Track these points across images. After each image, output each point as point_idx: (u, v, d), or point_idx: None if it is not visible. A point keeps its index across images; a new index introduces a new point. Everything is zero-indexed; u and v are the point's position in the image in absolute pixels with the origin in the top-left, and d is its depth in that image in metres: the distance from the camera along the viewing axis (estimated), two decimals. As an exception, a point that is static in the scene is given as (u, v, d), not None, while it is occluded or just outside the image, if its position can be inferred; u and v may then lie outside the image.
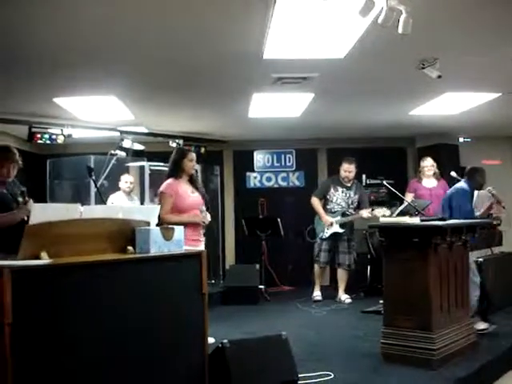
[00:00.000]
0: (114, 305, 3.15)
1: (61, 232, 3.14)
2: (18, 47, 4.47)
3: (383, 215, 7.47)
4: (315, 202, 7.96)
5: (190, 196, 5.26)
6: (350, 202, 7.91)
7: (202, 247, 5.13)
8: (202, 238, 5.30)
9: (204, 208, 5.32)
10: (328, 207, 7.94)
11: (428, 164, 7.42)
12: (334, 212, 7.88)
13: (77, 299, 2.99)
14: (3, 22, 3.92)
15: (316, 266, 8.05)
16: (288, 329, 4.12)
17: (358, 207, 7.94)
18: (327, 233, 7.84)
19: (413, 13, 3.42)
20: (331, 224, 7.80)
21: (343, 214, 7.85)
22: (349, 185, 7.92)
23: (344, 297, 7.87)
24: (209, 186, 9.55)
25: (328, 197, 7.94)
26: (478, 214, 6.58)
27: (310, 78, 5.57)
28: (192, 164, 5.32)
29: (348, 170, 7.88)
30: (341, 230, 7.81)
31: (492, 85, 6.11)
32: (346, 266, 7.87)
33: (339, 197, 7.91)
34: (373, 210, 7.66)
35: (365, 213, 7.70)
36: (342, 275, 7.99)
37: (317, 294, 8.03)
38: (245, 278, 8.15)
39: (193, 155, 5.37)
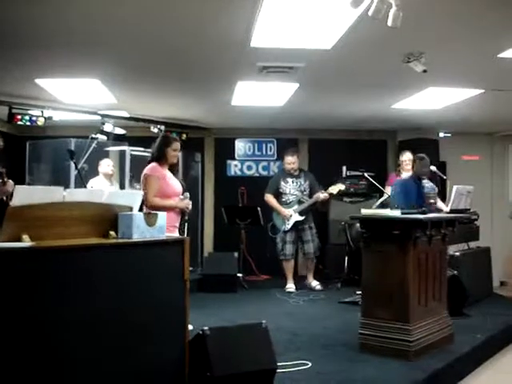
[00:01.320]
0: (95, 289, 3.14)
1: (43, 215, 3.11)
2: None
3: (339, 190, 7.68)
4: (269, 198, 8.18)
5: (174, 183, 5.23)
6: (302, 189, 8.16)
7: (176, 234, 5.10)
8: (178, 225, 5.27)
9: (187, 194, 5.29)
10: (283, 200, 8.15)
11: (406, 158, 7.45)
12: (290, 203, 8.11)
13: (58, 283, 2.97)
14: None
15: (283, 261, 8.14)
16: (266, 318, 4.13)
17: (312, 193, 8.12)
18: (289, 224, 7.99)
19: (402, 6, 3.42)
20: (291, 215, 7.95)
21: (299, 202, 8.09)
22: (296, 173, 8.17)
23: (314, 283, 8.04)
24: (189, 173, 9.51)
25: (281, 190, 8.15)
26: (448, 208, 6.68)
27: (295, 68, 5.55)
28: (175, 153, 5.26)
29: (291, 162, 8.15)
30: (301, 218, 8.02)
31: (475, 81, 6.15)
32: (312, 254, 8.12)
33: (291, 187, 8.14)
34: (326, 190, 7.84)
35: (321, 195, 7.97)
36: (309, 264, 8.25)
37: (290, 286, 8.10)
38: (223, 266, 8.17)
39: (177, 145, 5.29)
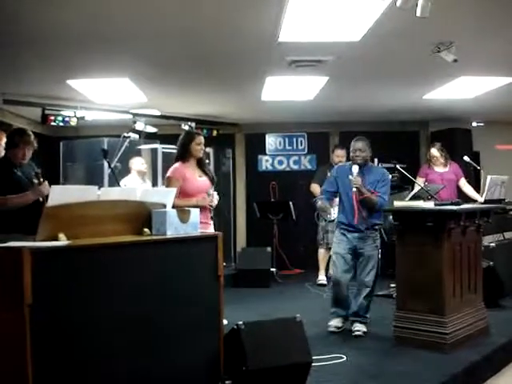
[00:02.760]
0: (131, 286, 3.18)
1: (79, 214, 3.16)
2: (31, 29, 4.48)
3: None
4: (315, 188, 8.03)
5: (198, 180, 5.22)
6: None
7: (211, 230, 5.13)
8: (211, 221, 5.29)
9: (212, 191, 5.27)
10: None
11: (435, 154, 7.35)
12: None
13: (94, 280, 3.02)
14: (17, 4, 3.92)
15: (321, 250, 8.07)
16: (300, 312, 4.13)
17: None
18: (334, 214, 7.89)
19: (431, -4, 3.40)
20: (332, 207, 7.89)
21: None
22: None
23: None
24: (221, 169, 9.57)
25: None
26: (482, 199, 6.57)
27: (324, 61, 5.54)
28: (200, 147, 5.25)
29: (340, 155, 8.01)
30: None
31: (507, 69, 6.05)
32: None
33: None
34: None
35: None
36: None
37: (321, 278, 8.05)
38: (256, 261, 8.20)
39: (201, 139, 5.29)
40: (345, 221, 5.29)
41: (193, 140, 5.24)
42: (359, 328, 5.17)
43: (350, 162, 5.39)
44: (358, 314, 5.25)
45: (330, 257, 8.12)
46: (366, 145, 5.36)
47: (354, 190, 5.09)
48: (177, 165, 5.22)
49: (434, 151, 7.34)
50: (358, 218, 5.14)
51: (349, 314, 5.33)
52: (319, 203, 5.59)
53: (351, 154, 5.37)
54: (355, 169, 5.16)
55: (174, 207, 4.70)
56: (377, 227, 5.36)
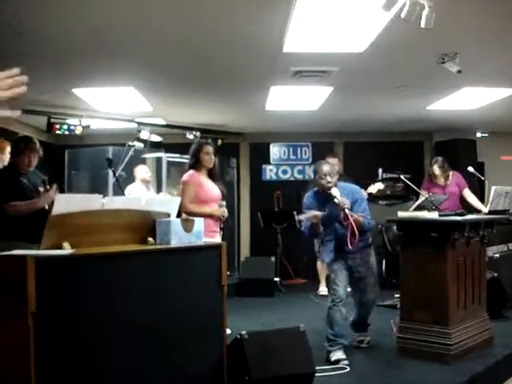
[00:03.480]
0: (135, 295, 3.18)
1: (83, 222, 3.16)
2: (37, 37, 4.51)
3: (378, 189, 7.42)
4: None
5: (211, 189, 5.27)
6: None
7: (218, 239, 5.15)
8: (220, 231, 5.33)
9: (224, 203, 5.33)
10: None
11: (436, 174, 7.29)
12: None
13: (98, 289, 3.02)
14: (24, 14, 3.95)
15: (319, 262, 8.02)
16: (303, 321, 4.13)
17: None
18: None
19: (434, 7, 3.41)
20: None
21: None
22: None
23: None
24: (225, 179, 9.56)
25: None
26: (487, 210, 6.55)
27: (329, 72, 5.57)
28: (208, 157, 5.28)
29: (333, 163, 7.73)
30: None
31: (511, 80, 6.07)
32: None
33: None
34: (365, 189, 7.70)
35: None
36: None
37: (322, 289, 8.01)
38: (260, 271, 8.19)
39: (209, 148, 5.30)
40: (337, 250, 4.82)
41: (201, 150, 5.27)
42: (364, 338, 5.13)
43: (316, 189, 4.90)
44: (361, 326, 5.20)
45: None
46: (336, 163, 4.91)
47: (347, 211, 4.51)
48: (191, 171, 5.25)
49: (436, 169, 7.28)
50: (354, 242, 4.53)
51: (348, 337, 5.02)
52: (302, 217, 4.88)
53: (321, 181, 4.74)
54: (335, 191, 4.62)
55: (189, 213, 4.75)
56: (370, 243, 5.08)
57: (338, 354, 4.67)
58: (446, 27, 4.10)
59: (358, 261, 4.90)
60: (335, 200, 4.60)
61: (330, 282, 5.05)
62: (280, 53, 4.86)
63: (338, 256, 4.85)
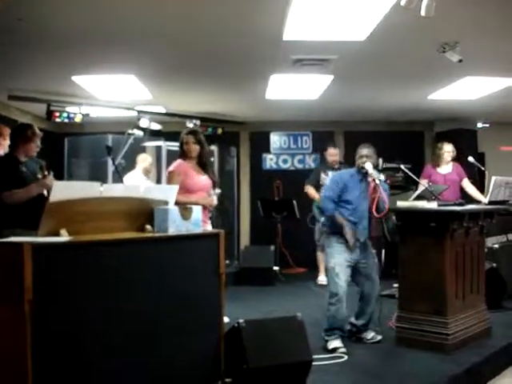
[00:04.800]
0: (132, 282, 3.18)
1: (81, 210, 3.16)
2: (37, 24, 4.48)
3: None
4: (309, 189, 7.98)
5: (198, 178, 5.23)
6: None
7: (208, 229, 5.11)
8: (209, 221, 5.29)
9: (212, 192, 5.27)
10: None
11: (450, 149, 7.28)
12: None
13: (95, 277, 3.02)
14: (23, 1, 3.93)
15: (319, 251, 8.03)
16: (302, 310, 4.14)
17: None
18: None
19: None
20: None
21: None
22: (337, 166, 7.95)
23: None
24: (225, 167, 9.56)
25: (321, 182, 7.97)
26: (486, 200, 6.54)
27: (329, 60, 5.54)
28: (188, 147, 5.20)
29: (334, 154, 7.99)
30: None
31: (513, 70, 6.05)
32: None
33: None
34: None
35: None
36: None
37: (321, 278, 8.00)
38: (259, 259, 8.20)
39: (189, 138, 5.21)
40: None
41: (183, 139, 5.26)
42: (375, 335, 5.05)
43: (354, 168, 5.08)
44: (368, 324, 5.16)
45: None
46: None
47: (378, 182, 4.79)
48: (179, 160, 5.23)
49: (449, 146, 7.25)
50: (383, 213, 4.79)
51: (352, 329, 5.09)
52: (340, 220, 4.89)
53: (359, 160, 4.98)
54: (369, 165, 4.86)
55: (175, 203, 4.72)
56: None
57: (336, 343, 4.70)
58: (446, 16, 4.08)
59: (365, 250, 4.97)
60: (369, 171, 4.87)
61: (329, 274, 5.06)
62: (280, 41, 4.83)
63: (347, 247, 4.85)
